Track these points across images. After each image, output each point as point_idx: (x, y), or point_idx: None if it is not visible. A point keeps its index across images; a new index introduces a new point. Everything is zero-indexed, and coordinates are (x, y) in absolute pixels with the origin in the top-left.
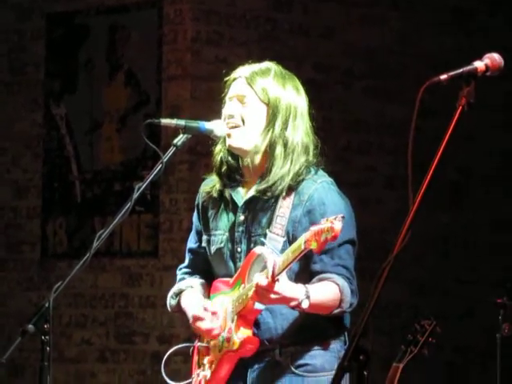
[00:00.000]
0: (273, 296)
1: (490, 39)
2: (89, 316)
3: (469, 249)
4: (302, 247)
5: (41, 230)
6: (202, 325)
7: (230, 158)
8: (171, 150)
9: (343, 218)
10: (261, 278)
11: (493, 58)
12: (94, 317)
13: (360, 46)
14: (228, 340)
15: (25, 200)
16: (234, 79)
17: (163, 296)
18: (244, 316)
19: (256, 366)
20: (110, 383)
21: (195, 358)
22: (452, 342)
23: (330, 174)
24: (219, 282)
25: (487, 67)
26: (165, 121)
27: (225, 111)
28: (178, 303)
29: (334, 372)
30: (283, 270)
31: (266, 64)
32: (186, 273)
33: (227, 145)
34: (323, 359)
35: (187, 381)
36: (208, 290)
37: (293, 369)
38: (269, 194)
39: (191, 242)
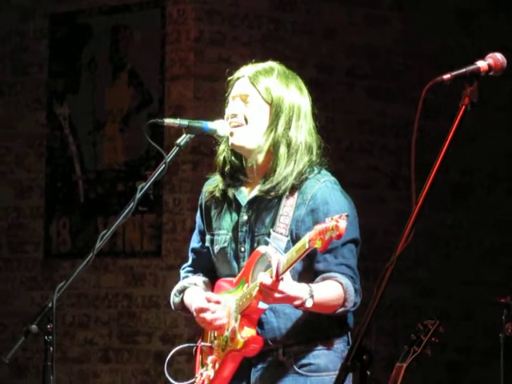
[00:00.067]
0: (277, 295)
1: (492, 39)
2: (92, 316)
3: (472, 249)
4: (307, 246)
5: (44, 229)
6: (207, 315)
7: (233, 158)
8: (174, 150)
9: (347, 216)
10: (265, 277)
11: (495, 58)
12: (97, 317)
13: (363, 46)
14: (232, 339)
15: (28, 200)
16: (237, 78)
17: (166, 296)
18: (248, 315)
19: (259, 366)
20: (113, 383)
21: (198, 357)
22: (455, 342)
23: (333, 174)
24: (223, 281)
25: (490, 67)
26: (168, 121)
27: (228, 110)
28: (182, 300)
29: (337, 372)
30: (287, 268)
31: (270, 63)
32: (189, 271)
33: (230, 143)
34: (327, 359)
35: (190, 380)
36: (211, 288)
37: (296, 368)
38: (272, 193)
39: (194, 242)
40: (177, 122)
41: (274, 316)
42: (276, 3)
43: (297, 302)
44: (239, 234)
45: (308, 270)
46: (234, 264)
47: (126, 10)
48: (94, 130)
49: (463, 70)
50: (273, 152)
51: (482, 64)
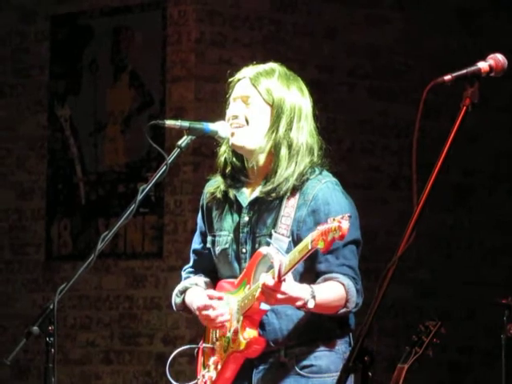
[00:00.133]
0: (279, 296)
1: (493, 40)
2: (93, 317)
3: (473, 250)
4: (309, 247)
5: (45, 231)
6: (210, 312)
7: (234, 159)
8: (175, 152)
9: (350, 217)
10: (267, 278)
11: (496, 59)
12: (99, 318)
13: (364, 46)
14: (234, 340)
15: (29, 202)
16: (238, 80)
17: (168, 297)
18: (250, 316)
19: (261, 367)
20: None
21: (200, 359)
22: (456, 343)
23: (334, 175)
24: (224, 282)
25: (491, 68)
26: (169, 122)
27: (229, 112)
28: (183, 301)
29: (339, 373)
30: (290, 269)
31: (271, 65)
32: (190, 273)
33: (230, 143)
34: (328, 360)
35: (192, 382)
36: (213, 288)
37: (298, 370)
38: (273, 194)
39: (195, 243)
40: (178, 123)
41: (276, 317)
42: (277, 4)
43: (299, 303)
44: (240, 235)
45: (309, 271)
46: (236, 265)
47: (127, 11)
48: (95, 131)
49: (464, 70)
50: (274, 153)
51: (483, 65)
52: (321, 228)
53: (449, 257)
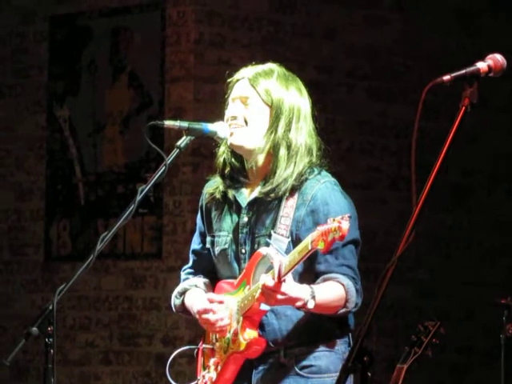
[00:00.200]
0: (279, 296)
1: (492, 40)
2: (93, 318)
3: (472, 250)
4: (309, 247)
5: (44, 232)
6: (211, 316)
7: (233, 160)
8: (174, 152)
9: (349, 217)
10: (267, 279)
11: (495, 59)
12: (98, 319)
13: (363, 47)
14: (234, 341)
15: (28, 202)
16: (237, 80)
17: (167, 298)
18: (249, 317)
19: (260, 368)
20: None
21: (200, 359)
22: (456, 343)
23: (333, 175)
24: (223, 282)
25: (490, 68)
26: (168, 123)
27: (228, 112)
28: (183, 302)
29: (338, 373)
30: (289, 270)
31: (269, 65)
32: (189, 273)
33: (229, 143)
34: (328, 360)
35: (192, 383)
36: (212, 289)
37: (297, 370)
38: (272, 195)
39: (195, 244)
40: (177, 124)
41: (275, 318)
42: (276, 5)
43: (299, 304)
44: (240, 235)
45: (309, 271)
46: (235, 265)
47: (126, 12)
48: (94, 132)
49: (463, 71)
50: (273, 154)
51: (481, 65)
52: (321, 228)
53: (448, 257)
